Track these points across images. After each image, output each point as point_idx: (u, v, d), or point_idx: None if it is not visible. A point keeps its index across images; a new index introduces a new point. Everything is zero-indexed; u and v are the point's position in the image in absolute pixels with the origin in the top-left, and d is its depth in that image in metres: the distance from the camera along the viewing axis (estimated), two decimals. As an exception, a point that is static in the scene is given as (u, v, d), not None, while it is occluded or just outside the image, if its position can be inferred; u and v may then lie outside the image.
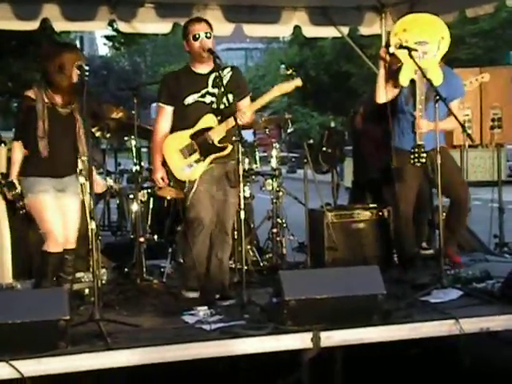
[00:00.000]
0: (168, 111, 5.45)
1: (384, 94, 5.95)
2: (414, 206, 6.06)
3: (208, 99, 5.38)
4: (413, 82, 5.74)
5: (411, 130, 5.83)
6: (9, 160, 5.36)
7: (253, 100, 5.47)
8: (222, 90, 5.33)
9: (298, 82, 5.43)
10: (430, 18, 5.94)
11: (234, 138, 5.16)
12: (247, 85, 5.78)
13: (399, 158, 6.00)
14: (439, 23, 5.93)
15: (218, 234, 5.46)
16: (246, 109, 5.35)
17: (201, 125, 5.37)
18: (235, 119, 5.16)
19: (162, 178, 5.47)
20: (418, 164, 5.57)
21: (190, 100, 5.37)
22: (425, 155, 5.54)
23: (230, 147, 5.36)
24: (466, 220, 6.35)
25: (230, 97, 5.33)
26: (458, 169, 6.44)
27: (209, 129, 5.36)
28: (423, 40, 5.75)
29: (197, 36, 5.31)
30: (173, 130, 5.48)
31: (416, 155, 5.56)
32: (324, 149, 7.13)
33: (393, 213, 6.47)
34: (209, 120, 5.37)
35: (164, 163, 5.47)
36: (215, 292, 5.46)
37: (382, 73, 5.96)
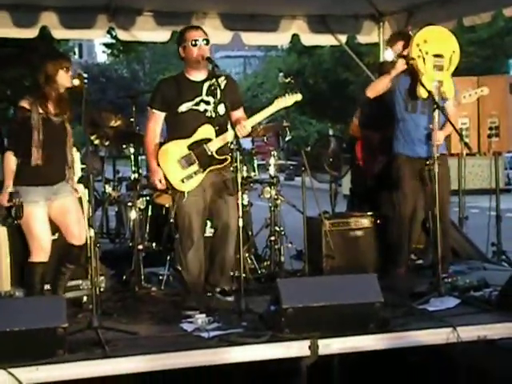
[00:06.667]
0: (160, 117, 5.44)
1: (378, 92, 6.05)
2: (412, 213, 6.08)
3: (202, 107, 5.38)
4: (430, 93, 5.75)
5: (424, 139, 5.89)
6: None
7: (253, 111, 5.48)
8: (218, 98, 5.35)
9: (297, 97, 5.50)
10: (445, 32, 6.08)
11: (232, 146, 5.17)
12: (241, 95, 5.81)
13: (400, 163, 6.04)
14: (452, 38, 6.04)
15: (221, 233, 5.46)
16: (246, 122, 5.36)
17: (199, 135, 5.36)
18: (235, 132, 5.13)
19: (160, 180, 5.44)
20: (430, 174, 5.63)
21: (183, 108, 5.36)
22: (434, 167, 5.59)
23: (228, 159, 5.37)
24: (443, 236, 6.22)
25: (223, 106, 5.35)
26: (446, 187, 6.11)
27: (207, 140, 5.37)
28: (441, 53, 5.87)
29: (196, 42, 5.31)
30: (167, 137, 5.48)
31: (431, 167, 5.59)
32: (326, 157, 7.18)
33: (391, 220, 6.48)
34: (207, 131, 5.37)
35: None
36: (217, 285, 5.50)
37: (392, 75, 6.00)
